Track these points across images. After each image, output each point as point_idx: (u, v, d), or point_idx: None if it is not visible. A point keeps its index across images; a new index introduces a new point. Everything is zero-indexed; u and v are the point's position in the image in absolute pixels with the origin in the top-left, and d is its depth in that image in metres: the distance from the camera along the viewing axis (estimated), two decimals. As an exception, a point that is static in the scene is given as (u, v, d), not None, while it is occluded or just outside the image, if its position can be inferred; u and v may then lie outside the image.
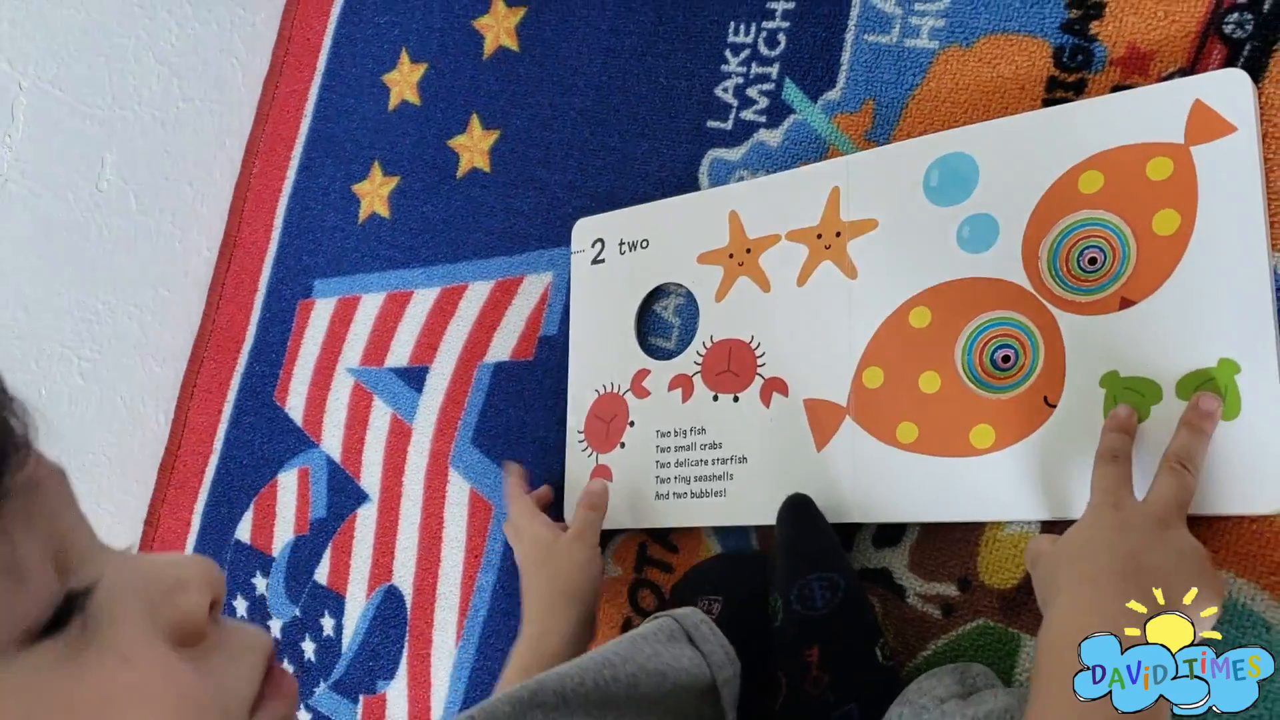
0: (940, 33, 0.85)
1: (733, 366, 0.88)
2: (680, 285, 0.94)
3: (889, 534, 0.81)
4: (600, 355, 0.97)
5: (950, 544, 0.78)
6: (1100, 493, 0.66)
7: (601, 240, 0.98)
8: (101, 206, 1.27)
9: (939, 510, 0.77)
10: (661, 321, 0.95)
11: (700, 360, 0.90)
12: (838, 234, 0.84)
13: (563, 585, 0.85)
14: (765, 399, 0.86)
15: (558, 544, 0.88)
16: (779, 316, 0.87)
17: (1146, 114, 0.72)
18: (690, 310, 0.93)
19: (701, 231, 0.92)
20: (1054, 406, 0.73)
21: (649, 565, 0.93)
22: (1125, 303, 0.71)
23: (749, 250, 0.89)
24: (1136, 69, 0.76)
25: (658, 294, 0.95)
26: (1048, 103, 0.79)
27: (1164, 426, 0.68)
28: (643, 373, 0.93)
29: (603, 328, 0.97)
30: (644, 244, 0.95)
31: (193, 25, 1.33)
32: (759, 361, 0.87)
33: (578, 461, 0.96)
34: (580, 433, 0.96)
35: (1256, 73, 0.71)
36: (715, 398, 0.89)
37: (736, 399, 0.88)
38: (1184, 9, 0.74)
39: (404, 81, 1.23)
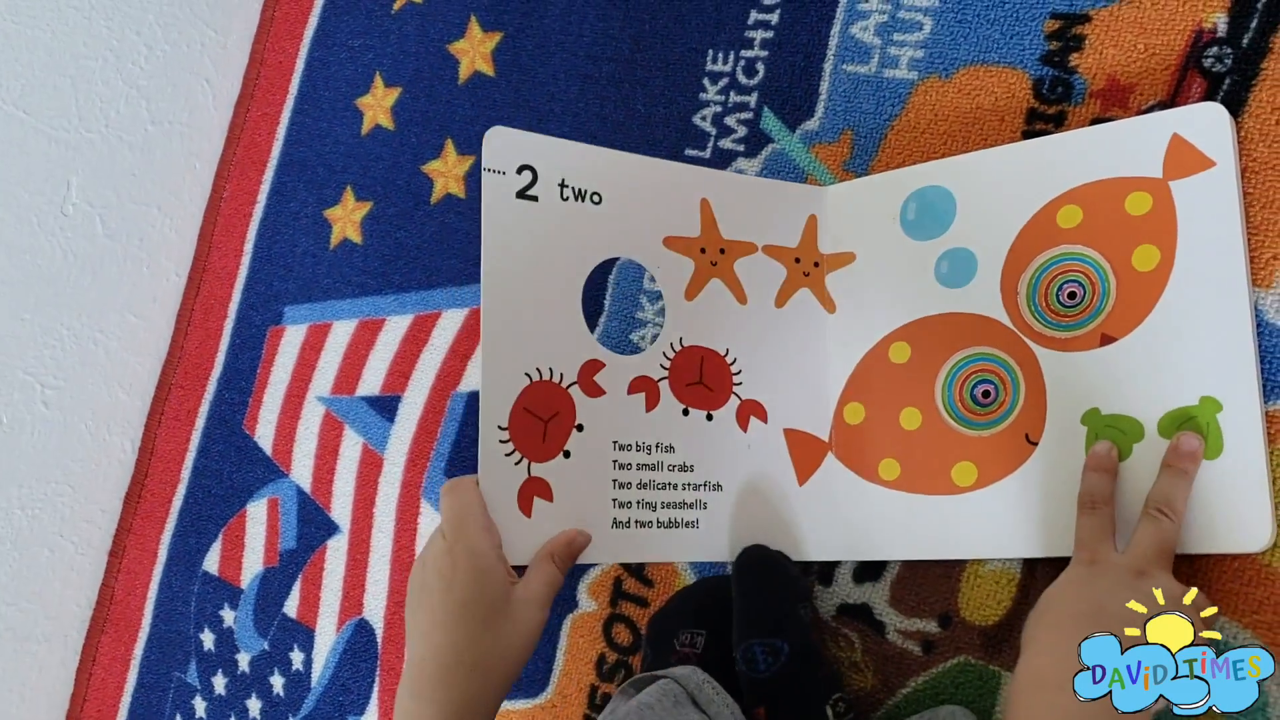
0: (919, 63, 0.84)
1: (705, 379, 0.78)
2: (644, 266, 0.79)
3: (870, 569, 0.80)
4: (533, 328, 0.73)
5: (932, 580, 0.77)
6: (1079, 546, 0.66)
7: (532, 170, 0.74)
8: (67, 230, 1.25)
9: (922, 549, 0.77)
10: (620, 306, 0.88)
11: (668, 365, 0.78)
12: (816, 264, 0.83)
13: (511, 662, 0.64)
14: (742, 422, 0.79)
15: (515, 602, 0.65)
16: (757, 334, 0.80)
17: (1125, 148, 0.71)
18: (654, 300, 0.87)
19: (668, 209, 0.79)
20: (1035, 444, 0.72)
21: (624, 599, 0.91)
22: (1105, 339, 0.70)
23: (723, 251, 0.80)
24: (1116, 102, 0.75)
25: (612, 269, 0.86)
26: (1027, 134, 0.79)
27: (1146, 465, 0.67)
28: (594, 365, 0.75)
29: (536, 291, 0.73)
30: (595, 198, 0.76)
31: (162, 47, 1.31)
32: (735, 379, 0.80)
33: (499, 470, 0.70)
34: (503, 429, 0.70)
35: (1236, 107, 0.71)
36: (685, 412, 0.77)
37: (710, 417, 0.78)
38: (1164, 42, 0.74)
39: (378, 106, 1.21)
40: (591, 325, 0.79)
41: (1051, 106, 0.78)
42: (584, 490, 0.73)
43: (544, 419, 0.72)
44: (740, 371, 0.80)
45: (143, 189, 1.32)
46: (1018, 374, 0.74)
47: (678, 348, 0.78)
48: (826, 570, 0.82)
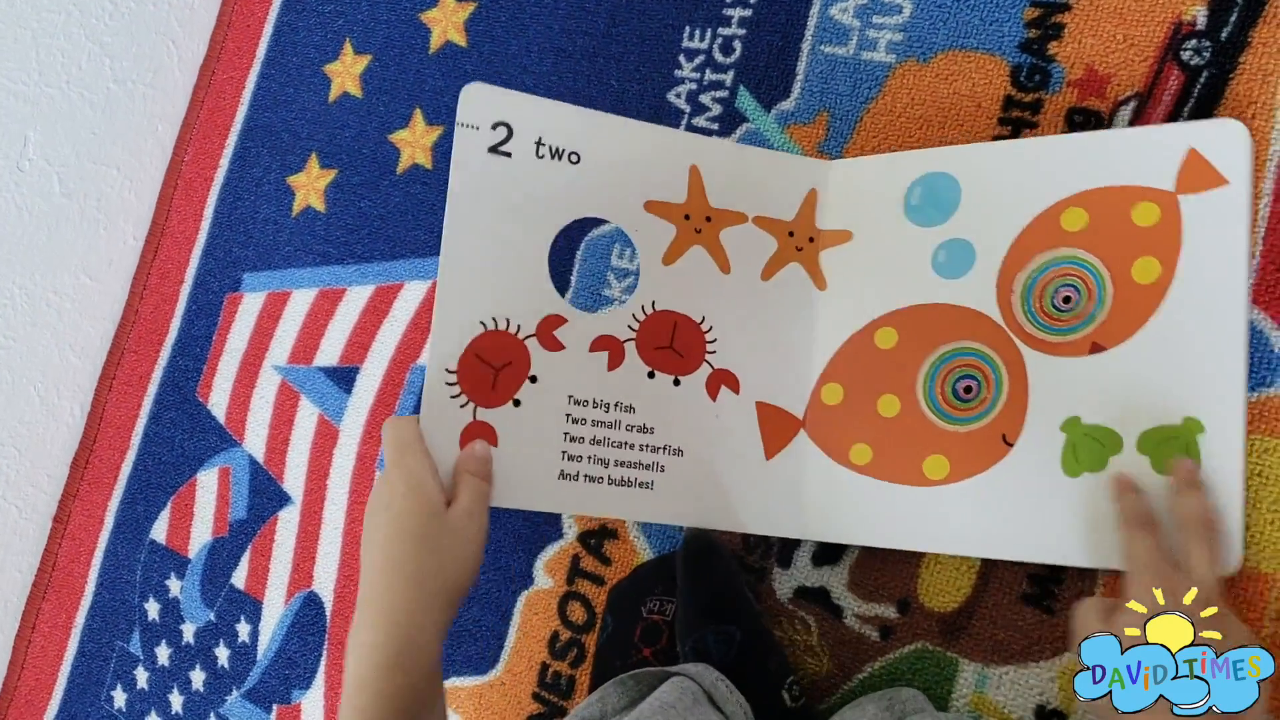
0: (898, 47, 0.84)
1: (676, 344, 0.78)
2: (619, 229, 0.79)
3: (829, 552, 0.79)
4: (492, 279, 0.74)
5: (891, 565, 0.77)
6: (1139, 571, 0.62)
7: (507, 126, 0.75)
8: (22, 186, 1.22)
9: (884, 537, 0.76)
10: (590, 265, 0.86)
11: (636, 326, 0.77)
12: (810, 239, 0.81)
13: (450, 576, 0.64)
14: (712, 391, 0.78)
15: (450, 517, 0.65)
16: (737, 304, 0.79)
17: (1140, 156, 0.70)
18: (629, 263, 0.85)
19: (653, 174, 0.78)
20: (1011, 445, 0.72)
21: (580, 577, 0.90)
22: (1095, 348, 0.70)
23: (709, 219, 0.79)
24: (1093, 91, 0.75)
25: (586, 227, 0.85)
26: (1004, 122, 0.78)
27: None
28: (555, 319, 0.75)
29: (499, 243, 0.74)
30: (573, 157, 0.76)
31: (128, 4, 1.28)
32: (709, 348, 0.79)
33: (443, 411, 0.71)
34: (451, 372, 0.72)
35: (1212, 100, 0.70)
36: (651, 374, 0.77)
37: (678, 382, 0.78)
38: (1143, 34, 0.74)
39: (346, 73, 1.19)
40: (561, 289, 0.79)
41: (1029, 94, 0.78)
42: (531, 439, 0.73)
43: (495, 367, 0.74)
44: (715, 340, 0.79)
45: (102, 148, 1.29)
46: (1002, 373, 0.73)
47: (649, 311, 0.78)
48: (785, 553, 0.81)
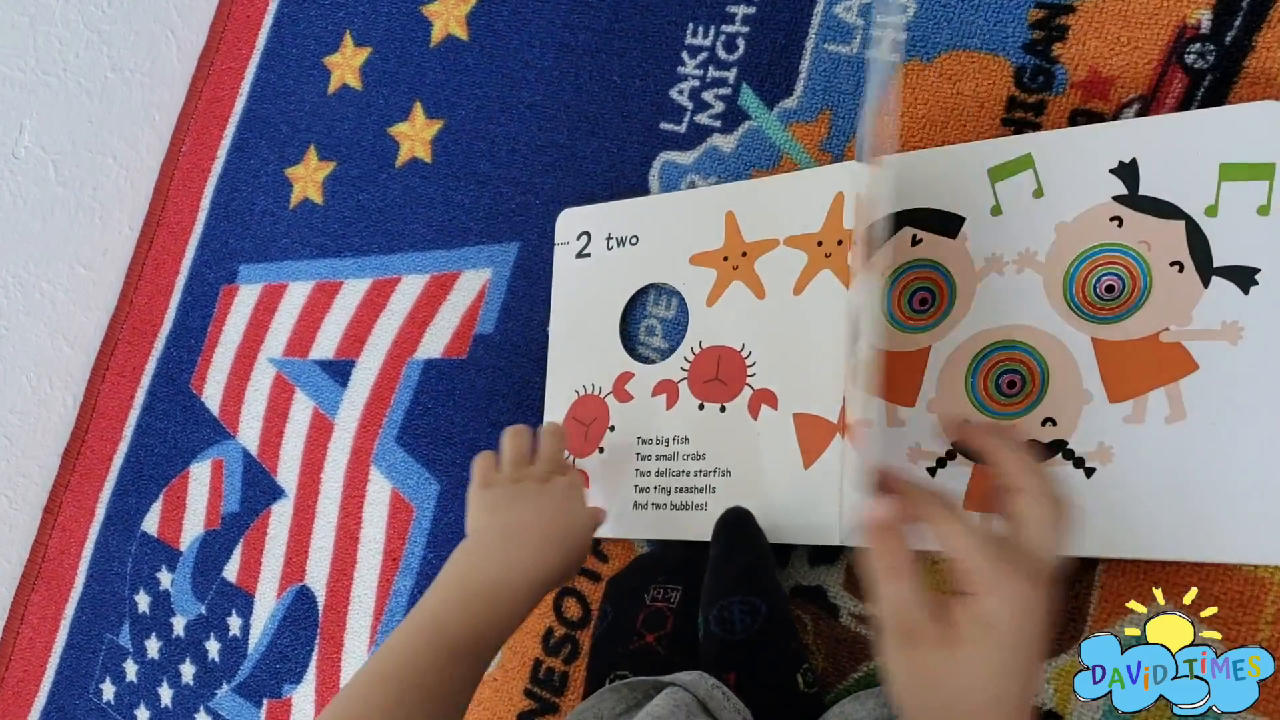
0: (901, 46, 0.84)
1: (721, 375, 0.84)
2: (670, 286, 0.89)
3: (824, 552, 0.79)
4: (582, 355, 0.92)
5: (888, 564, 0.76)
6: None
7: (588, 233, 0.93)
8: (17, 174, 1.21)
9: (924, 539, 0.75)
10: (649, 324, 0.91)
11: (687, 366, 0.86)
12: (839, 242, 0.80)
13: (561, 526, 0.73)
14: (754, 411, 0.82)
15: (553, 483, 0.76)
16: (773, 325, 0.82)
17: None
18: (680, 313, 0.89)
19: (696, 231, 0.87)
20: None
21: (577, 573, 0.90)
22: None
23: (744, 254, 0.84)
24: (1097, 93, 0.75)
25: (646, 294, 0.91)
26: (1007, 123, 0.78)
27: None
28: (626, 375, 0.89)
29: (585, 325, 0.92)
30: (633, 240, 0.90)
31: (127, -7, 1.28)
32: (749, 371, 0.83)
33: None
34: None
35: (1216, 104, 0.70)
36: (701, 406, 0.84)
37: (724, 409, 0.83)
38: (1147, 36, 0.74)
39: (346, 65, 1.19)
40: (628, 348, 0.91)
41: (1032, 95, 0.78)
42: (613, 479, 0.87)
43: (586, 424, 0.90)
44: (754, 364, 0.83)
45: (99, 137, 1.28)
46: (1046, 363, 0.71)
47: (697, 350, 0.86)
48: (781, 553, 0.81)
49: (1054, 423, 0.69)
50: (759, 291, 0.83)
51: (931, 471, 0.73)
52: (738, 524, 0.76)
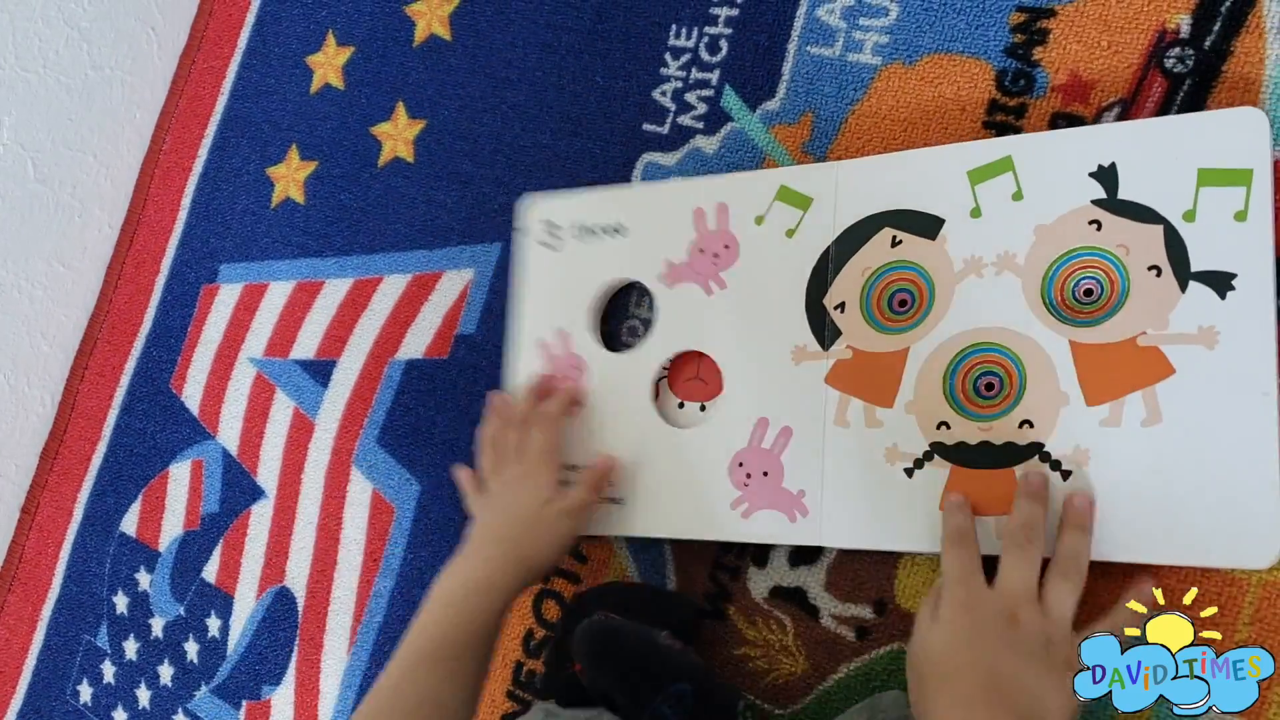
0: (884, 49, 0.84)
1: (702, 374, 0.85)
2: (642, 285, 0.88)
3: (806, 553, 0.79)
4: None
5: (868, 566, 0.77)
6: (951, 584, 0.65)
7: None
8: (-4, 171, 1.21)
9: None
10: (618, 314, 0.91)
11: (668, 366, 0.86)
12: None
13: (530, 557, 0.78)
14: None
15: (547, 509, 0.80)
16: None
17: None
18: (646, 311, 0.88)
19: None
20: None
21: (555, 575, 0.90)
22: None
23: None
24: (1077, 97, 0.76)
25: (617, 289, 0.91)
26: (988, 125, 0.78)
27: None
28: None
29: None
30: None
31: (108, -10, 1.27)
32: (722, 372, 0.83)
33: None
34: None
35: (1195, 109, 0.71)
36: (681, 405, 0.85)
37: (703, 408, 0.84)
38: (1127, 40, 0.74)
39: (328, 64, 1.18)
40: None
41: (1013, 98, 0.78)
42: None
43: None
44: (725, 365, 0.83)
45: (79, 135, 1.27)
46: (1024, 366, 0.71)
47: (674, 354, 0.85)
48: (761, 552, 0.81)
49: (1031, 425, 0.69)
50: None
51: (909, 472, 0.73)
52: (605, 642, 0.76)
